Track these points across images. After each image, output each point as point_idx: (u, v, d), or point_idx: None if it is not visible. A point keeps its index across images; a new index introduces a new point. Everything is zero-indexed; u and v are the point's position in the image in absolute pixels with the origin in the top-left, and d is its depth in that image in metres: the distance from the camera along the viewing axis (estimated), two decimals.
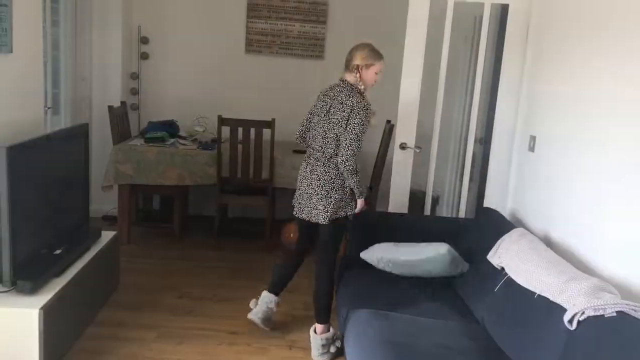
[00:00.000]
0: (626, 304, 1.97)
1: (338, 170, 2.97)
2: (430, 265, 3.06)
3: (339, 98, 2.94)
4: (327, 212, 2.98)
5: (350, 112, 2.89)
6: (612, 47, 2.53)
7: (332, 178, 2.99)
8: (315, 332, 3.09)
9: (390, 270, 3.14)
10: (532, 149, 3.41)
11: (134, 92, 5.32)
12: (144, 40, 5.26)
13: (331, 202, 2.99)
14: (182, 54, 5.35)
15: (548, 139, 3.20)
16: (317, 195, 3.00)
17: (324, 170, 2.99)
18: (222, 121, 4.44)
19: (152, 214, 5.35)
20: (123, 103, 4.96)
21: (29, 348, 2.62)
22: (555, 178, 3.03)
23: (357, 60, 2.95)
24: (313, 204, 3.02)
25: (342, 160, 2.91)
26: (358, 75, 2.95)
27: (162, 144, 4.59)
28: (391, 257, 3.12)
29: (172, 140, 4.71)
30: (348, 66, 2.98)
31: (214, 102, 5.24)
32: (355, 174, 2.95)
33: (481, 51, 3.74)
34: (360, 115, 2.88)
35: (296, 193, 3.15)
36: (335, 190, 2.99)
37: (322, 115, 2.99)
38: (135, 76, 5.29)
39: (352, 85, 2.96)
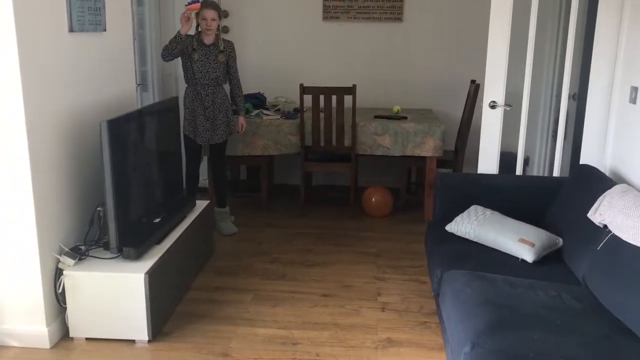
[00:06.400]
0: None
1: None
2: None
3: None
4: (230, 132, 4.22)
5: None
6: None
7: (229, 101, 4.21)
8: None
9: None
10: (633, 100, 3.20)
11: None
12: (225, 14, 5.34)
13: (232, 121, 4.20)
14: (261, 25, 5.39)
15: None
16: (226, 117, 4.15)
17: (224, 95, 4.16)
18: (303, 90, 4.46)
19: (239, 184, 5.50)
20: None
21: (137, 310, 2.77)
22: None
23: None
24: (223, 127, 4.11)
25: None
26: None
27: (248, 115, 4.67)
28: (476, 235, 3.02)
29: (256, 111, 4.79)
30: None
31: (295, 71, 5.27)
32: None
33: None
34: None
35: (199, 121, 4.06)
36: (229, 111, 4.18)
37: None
38: None
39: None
